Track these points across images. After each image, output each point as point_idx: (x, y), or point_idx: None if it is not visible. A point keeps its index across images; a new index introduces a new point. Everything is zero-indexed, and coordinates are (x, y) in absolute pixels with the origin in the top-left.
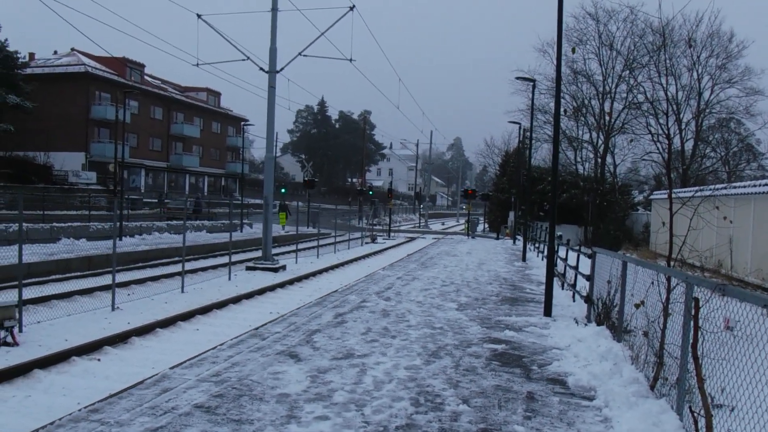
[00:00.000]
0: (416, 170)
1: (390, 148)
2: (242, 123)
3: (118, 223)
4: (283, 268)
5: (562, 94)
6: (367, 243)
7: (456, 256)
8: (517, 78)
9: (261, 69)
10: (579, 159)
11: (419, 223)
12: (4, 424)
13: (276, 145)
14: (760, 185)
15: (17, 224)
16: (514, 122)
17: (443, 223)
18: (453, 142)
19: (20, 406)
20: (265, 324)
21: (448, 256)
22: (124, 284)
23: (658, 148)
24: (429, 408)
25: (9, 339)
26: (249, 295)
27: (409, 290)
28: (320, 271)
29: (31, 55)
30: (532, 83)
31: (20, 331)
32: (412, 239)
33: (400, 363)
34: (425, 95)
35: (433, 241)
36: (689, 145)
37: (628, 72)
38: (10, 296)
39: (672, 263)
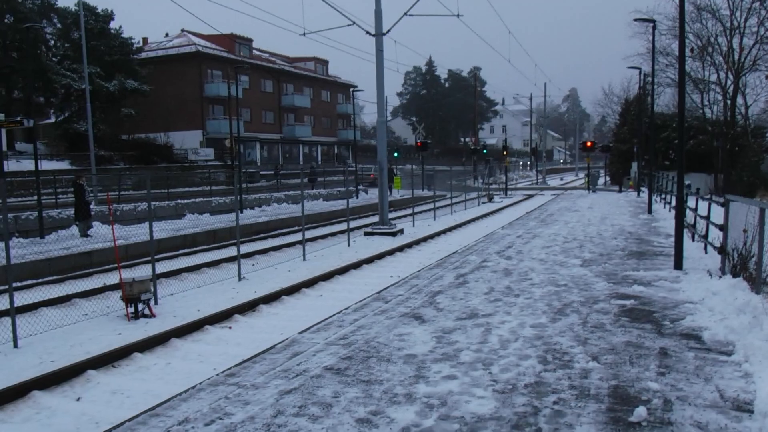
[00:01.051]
0: (530, 125)
1: (502, 104)
2: (351, 89)
3: (239, 197)
4: (401, 231)
5: (685, 33)
6: (483, 203)
7: (577, 212)
8: (636, 20)
9: (367, 33)
10: (706, 102)
11: (536, 179)
12: (150, 390)
13: (386, 109)
14: None
15: (145, 203)
16: (633, 67)
17: (561, 179)
18: (568, 93)
19: (162, 372)
20: (387, 287)
21: (568, 212)
22: (248, 255)
23: None
24: (557, 366)
25: (146, 311)
26: (369, 260)
27: (530, 248)
28: (438, 233)
29: (145, 40)
30: (651, 24)
31: (155, 303)
32: (529, 196)
33: (525, 321)
34: (537, 46)
35: (552, 197)
36: None
37: (758, 3)
38: (144, 271)
39: None
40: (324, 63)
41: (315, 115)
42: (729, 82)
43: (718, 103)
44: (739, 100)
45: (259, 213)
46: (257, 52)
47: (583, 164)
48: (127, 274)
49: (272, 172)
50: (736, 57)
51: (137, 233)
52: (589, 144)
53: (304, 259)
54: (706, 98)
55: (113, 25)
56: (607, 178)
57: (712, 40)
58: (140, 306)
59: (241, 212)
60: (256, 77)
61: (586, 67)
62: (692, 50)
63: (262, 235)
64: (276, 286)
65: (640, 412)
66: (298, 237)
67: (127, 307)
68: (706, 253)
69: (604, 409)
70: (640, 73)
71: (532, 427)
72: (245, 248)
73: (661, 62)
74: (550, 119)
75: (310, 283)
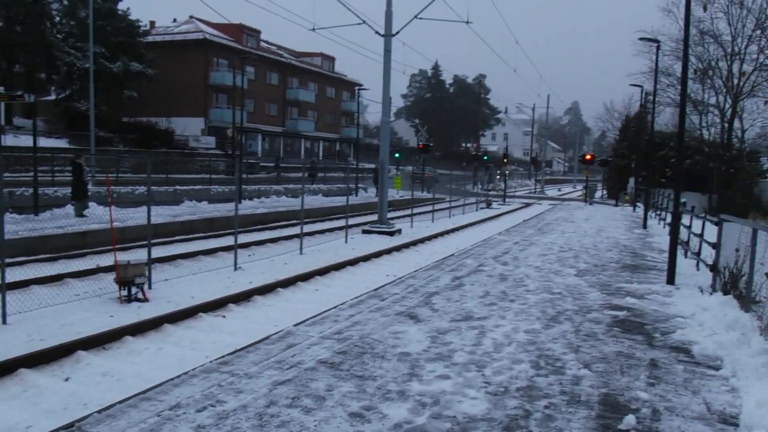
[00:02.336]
0: (532, 135)
1: (505, 113)
2: (356, 87)
3: (238, 187)
4: (399, 231)
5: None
6: (482, 208)
7: (574, 222)
8: (641, 39)
9: (376, 33)
10: (704, 124)
11: (535, 188)
12: (142, 374)
13: (390, 110)
14: None
15: (143, 187)
16: (635, 85)
17: (559, 189)
18: (570, 106)
19: (154, 357)
20: (384, 285)
21: (565, 222)
22: (245, 245)
23: None
24: (549, 371)
25: (140, 295)
26: (366, 258)
27: (526, 255)
28: (436, 236)
29: (152, 24)
30: (656, 44)
31: (150, 288)
32: (527, 205)
33: (519, 326)
34: (542, 58)
35: (550, 207)
36: None
37: (759, 31)
38: (139, 255)
39: None
40: (331, 59)
41: (319, 111)
42: (727, 106)
43: (715, 125)
44: (736, 123)
45: (258, 204)
46: (264, 44)
47: (582, 176)
48: (122, 257)
49: (273, 164)
50: (736, 82)
51: (134, 217)
52: (588, 157)
53: (301, 253)
54: (704, 120)
55: (121, 6)
56: (604, 192)
57: (713, 63)
58: (134, 290)
59: (240, 202)
60: (262, 69)
61: (589, 81)
62: (695, 72)
63: (260, 227)
64: (272, 278)
65: (630, 420)
66: (295, 230)
67: (120, 290)
68: (698, 269)
69: (594, 415)
70: (641, 91)
71: (524, 429)
72: (242, 238)
73: (663, 82)
74: (551, 130)
75: (306, 277)
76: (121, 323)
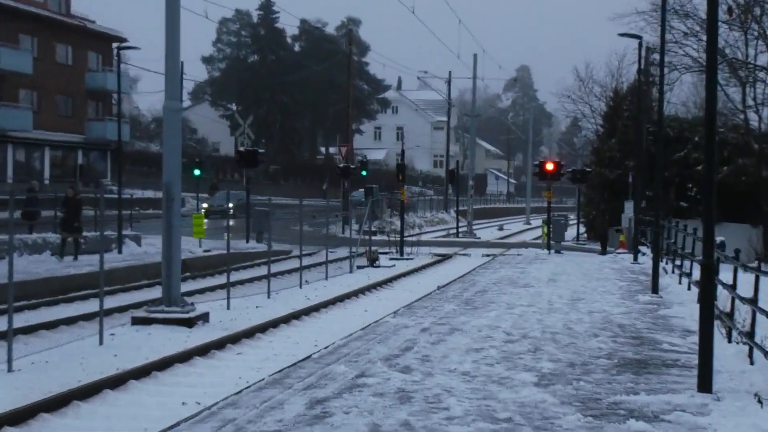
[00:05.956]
0: (448, 128)
1: (398, 89)
2: (116, 45)
3: None
4: (204, 317)
5: None
6: (360, 267)
7: (529, 287)
8: None
9: None
10: (751, 101)
11: (457, 226)
12: None
13: (181, 88)
14: None
15: None
16: (628, 35)
17: (501, 227)
18: (515, 75)
19: None
20: (175, 426)
21: (513, 288)
22: None
23: None
24: None
25: None
26: (139, 373)
27: (444, 352)
28: (275, 322)
29: None
30: None
31: None
32: (444, 257)
33: None
34: None
35: (486, 259)
36: None
37: None
38: None
39: None
40: None
41: (42, 90)
42: None
43: None
44: None
45: None
46: None
47: (540, 202)
48: None
49: None
50: None
51: None
52: (550, 167)
53: (10, 371)
54: (750, 93)
55: None
56: (582, 228)
57: None
58: None
59: None
60: None
61: (546, 32)
62: (729, 10)
63: None
64: None
65: None
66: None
67: None
68: (752, 363)
69: None
70: (639, 45)
71: None
72: None
73: (676, 29)
74: (483, 119)
75: (20, 417)
76: None
